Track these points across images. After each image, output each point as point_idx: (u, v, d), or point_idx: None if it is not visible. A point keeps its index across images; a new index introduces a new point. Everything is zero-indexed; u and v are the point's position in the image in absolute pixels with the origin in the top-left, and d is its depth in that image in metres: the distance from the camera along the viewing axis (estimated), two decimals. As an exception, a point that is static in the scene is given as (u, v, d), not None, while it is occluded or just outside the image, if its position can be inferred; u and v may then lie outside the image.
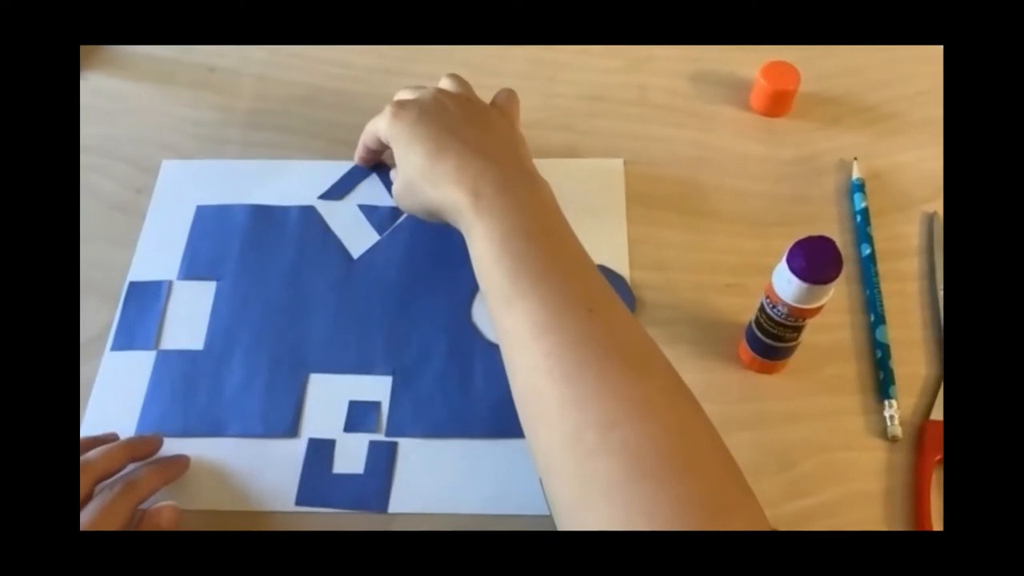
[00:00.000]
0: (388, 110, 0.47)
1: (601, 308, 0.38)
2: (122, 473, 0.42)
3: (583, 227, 0.52)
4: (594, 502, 0.33)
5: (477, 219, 0.41)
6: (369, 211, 0.53)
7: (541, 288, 0.38)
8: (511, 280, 0.39)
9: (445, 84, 0.50)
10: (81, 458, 0.41)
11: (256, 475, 0.45)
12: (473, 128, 0.45)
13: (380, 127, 0.48)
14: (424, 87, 0.49)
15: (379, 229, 0.53)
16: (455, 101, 0.47)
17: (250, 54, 0.61)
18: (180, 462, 0.44)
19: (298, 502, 0.44)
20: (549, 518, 0.38)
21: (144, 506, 0.42)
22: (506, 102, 0.50)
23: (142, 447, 0.44)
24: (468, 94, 0.49)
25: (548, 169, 0.54)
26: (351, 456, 0.45)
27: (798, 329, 0.42)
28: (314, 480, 0.44)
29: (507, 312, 0.39)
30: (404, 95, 0.49)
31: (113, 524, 0.39)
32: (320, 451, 0.45)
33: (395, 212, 0.53)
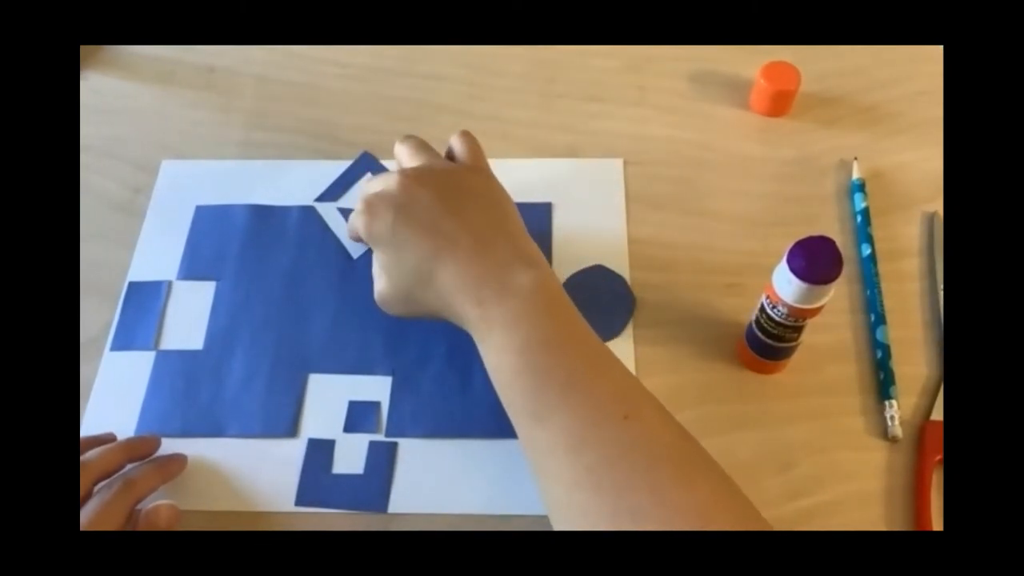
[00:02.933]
0: (360, 210, 0.43)
1: (636, 411, 0.36)
2: (120, 472, 0.42)
3: (583, 227, 0.52)
4: None
5: (488, 332, 0.40)
6: (348, 214, 0.53)
7: (570, 400, 0.37)
8: (536, 395, 0.37)
9: (402, 154, 0.46)
10: (80, 459, 0.41)
11: (256, 475, 0.45)
12: (454, 216, 0.42)
13: (358, 229, 0.44)
14: (388, 172, 0.44)
15: None
16: (425, 185, 0.42)
17: (250, 54, 0.61)
18: (178, 460, 0.44)
19: (298, 502, 0.44)
20: (549, 518, 0.38)
21: (142, 505, 0.42)
22: (468, 153, 0.46)
23: (140, 447, 0.44)
24: (432, 163, 0.45)
25: (548, 169, 0.55)
26: (351, 456, 0.45)
27: (798, 329, 0.42)
28: (314, 480, 0.44)
29: (537, 427, 0.37)
30: (371, 186, 0.44)
31: (111, 523, 0.39)
32: (320, 451, 0.45)
33: None
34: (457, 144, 0.46)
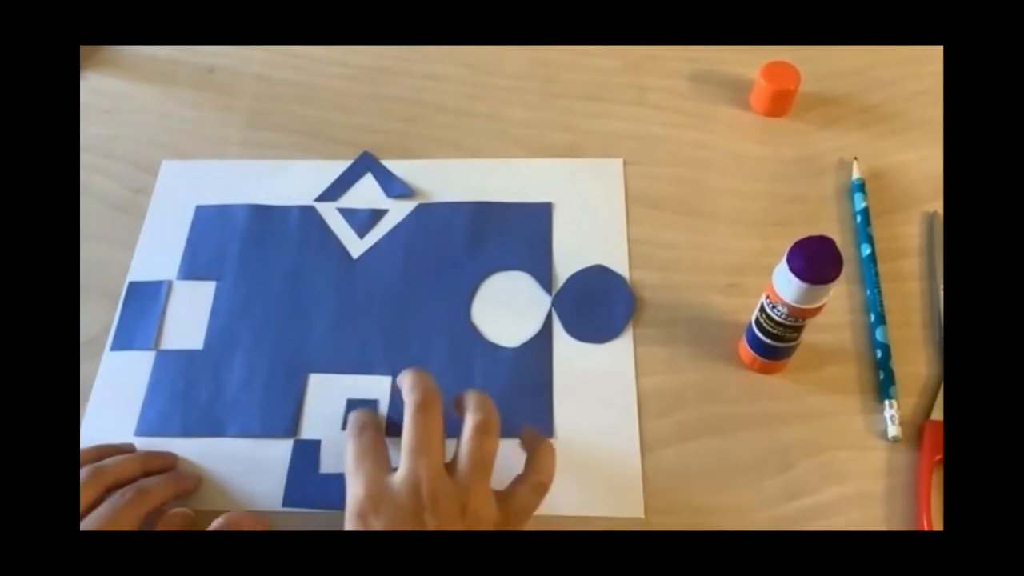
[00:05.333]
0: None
1: None
2: (134, 483, 0.41)
3: (583, 227, 0.52)
4: None
5: None
6: (348, 214, 0.53)
7: None
8: None
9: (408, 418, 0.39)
10: (96, 464, 0.41)
11: (255, 475, 0.45)
12: None
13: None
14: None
15: (360, 232, 0.52)
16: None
17: (250, 54, 0.62)
18: (192, 479, 0.44)
19: (285, 503, 0.44)
20: (548, 518, 0.38)
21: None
22: (470, 474, 0.38)
23: (158, 461, 0.44)
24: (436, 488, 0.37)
25: (548, 169, 0.55)
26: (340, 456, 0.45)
27: (798, 329, 0.42)
28: (301, 481, 0.44)
29: None
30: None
31: (120, 529, 0.39)
32: (306, 452, 0.45)
33: (375, 215, 0.53)
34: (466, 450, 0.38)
